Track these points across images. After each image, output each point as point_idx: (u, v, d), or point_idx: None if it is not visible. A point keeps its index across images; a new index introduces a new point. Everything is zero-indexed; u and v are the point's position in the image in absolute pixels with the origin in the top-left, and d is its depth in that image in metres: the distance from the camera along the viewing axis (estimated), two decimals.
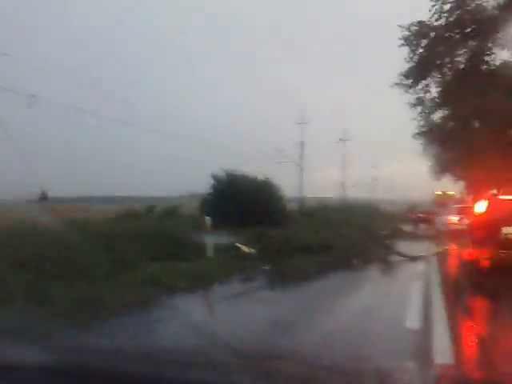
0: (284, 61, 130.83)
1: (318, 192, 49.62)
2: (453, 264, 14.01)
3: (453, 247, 17.63)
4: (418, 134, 31.33)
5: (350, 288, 8.33)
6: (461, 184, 39.84)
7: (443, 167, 37.97)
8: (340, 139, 51.01)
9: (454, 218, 23.63)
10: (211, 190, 21.96)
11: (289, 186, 38.64)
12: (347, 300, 7.38)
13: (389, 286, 8.72)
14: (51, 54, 71.11)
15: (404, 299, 7.13)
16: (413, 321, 5.82)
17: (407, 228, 26.54)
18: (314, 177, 65.36)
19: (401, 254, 12.82)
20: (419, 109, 21.90)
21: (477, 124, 25.31)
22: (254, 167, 21.74)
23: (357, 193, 53.93)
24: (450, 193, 41.53)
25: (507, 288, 8.31)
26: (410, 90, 20.34)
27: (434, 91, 21.20)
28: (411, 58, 18.81)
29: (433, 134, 30.20)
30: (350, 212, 29.19)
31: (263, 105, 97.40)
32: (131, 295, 6.75)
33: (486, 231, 11.45)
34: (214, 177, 21.87)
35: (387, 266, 11.29)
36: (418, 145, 32.55)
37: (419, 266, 11.41)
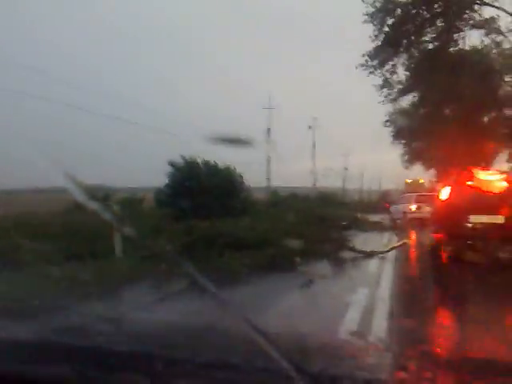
0: (244, 48, 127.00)
1: (292, 182, 48.09)
2: (413, 259, 12.89)
3: (414, 238, 16.73)
4: (388, 121, 30.31)
5: (274, 299, 6.74)
6: (432, 172, 39.27)
7: (414, 155, 37.24)
8: (309, 127, 49.59)
9: (412, 207, 22.96)
10: (169, 180, 20.43)
11: (259, 175, 37.34)
12: (260, 317, 5.81)
13: (325, 297, 7.26)
14: None
15: (337, 318, 5.60)
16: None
17: (375, 218, 25.30)
18: (287, 167, 64.25)
19: (355, 250, 11.56)
20: (386, 92, 20.64)
21: (447, 110, 24.41)
22: (218, 155, 20.26)
23: (328, 182, 52.78)
24: (420, 181, 40.96)
25: (476, 289, 7.13)
26: (377, 72, 19.08)
27: (402, 73, 20.02)
28: (376, 37, 17.51)
29: (402, 121, 29.22)
30: (315, 202, 28.01)
31: (227, 96, 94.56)
32: None
33: (451, 220, 10.53)
34: (172, 164, 20.17)
35: (335, 266, 9.98)
36: (388, 132, 31.57)
37: (372, 265, 10.15)
